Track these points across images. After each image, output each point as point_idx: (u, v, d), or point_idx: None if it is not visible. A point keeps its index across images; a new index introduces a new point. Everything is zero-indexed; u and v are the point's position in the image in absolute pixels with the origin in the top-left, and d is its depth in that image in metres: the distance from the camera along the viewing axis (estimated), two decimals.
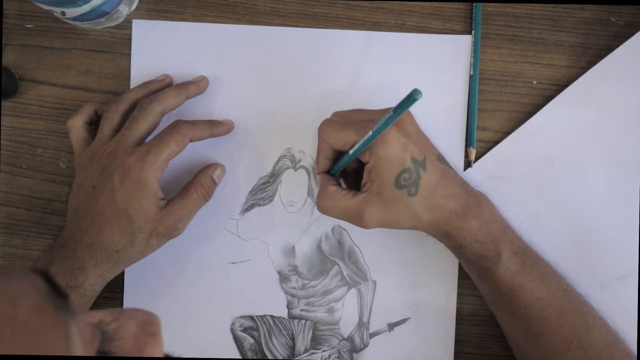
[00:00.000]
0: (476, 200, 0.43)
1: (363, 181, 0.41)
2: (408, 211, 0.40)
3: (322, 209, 0.42)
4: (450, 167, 0.43)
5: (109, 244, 0.41)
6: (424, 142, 0.41)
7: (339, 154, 0.43)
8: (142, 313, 0.28)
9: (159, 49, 0.48)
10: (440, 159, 0.42)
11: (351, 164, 0.43)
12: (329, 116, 0.44)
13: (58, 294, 0.23)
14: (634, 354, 0.43)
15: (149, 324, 0.27)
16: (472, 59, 0.48)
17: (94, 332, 0.25)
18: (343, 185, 0.44)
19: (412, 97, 0.33)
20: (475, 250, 0.42)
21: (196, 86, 0.46)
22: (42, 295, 0.22)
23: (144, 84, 0.46)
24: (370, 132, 0.38)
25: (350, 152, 0.40)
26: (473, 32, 0.48)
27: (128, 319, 0.27)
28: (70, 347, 0.21)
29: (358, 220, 0.41)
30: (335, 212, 0.42)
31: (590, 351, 0.41)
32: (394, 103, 0.35)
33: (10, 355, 0.19)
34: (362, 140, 0.39)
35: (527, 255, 0.43)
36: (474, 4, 0.48)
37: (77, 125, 0.45)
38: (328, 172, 0.44)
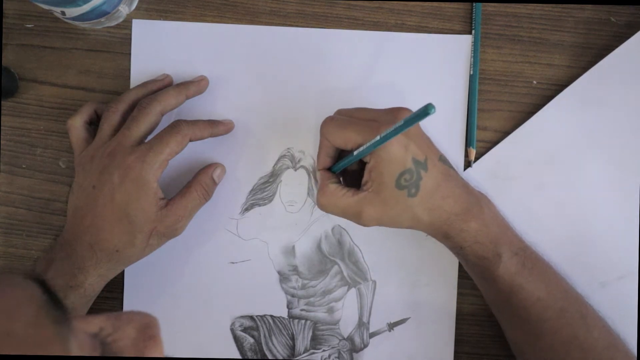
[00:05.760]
0: (476, 201, 0.43)
1: (364, 180, 0.41)
2: (407, 211, 0.40)
3: (323, 207, 0.42)
4: (452, 167, 0.43)
5: (108, 244, 0.41)
6: (426, 143, 0.41)
7: (340, 152, 0.43)
8: (141, 316, 0.27)
9: (159, 49, 0.48)
10: (442, 159, 0.42)
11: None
12: (329, 116, 0.44)
13: (55, 303, 0.22)
14: (633, 354, 0.43)
15: (148, 327, 0.27)
16: (472, 59, 0.48)
17: (93, 344, 0.24)
18: (342, 182, 0.44)
19: (425, 111, 0.33)
20: (475, 251, 0.42)
21: (196, 86, 0.46)
22: (39, 307, 0.21)
23: (144, 84, 0.46)
24: (378, 137, 0.37)
25: (355, 153, 0.40)
26: (473, 32, 0.48)
27: (126, 324, 0.26)
28: None
29: (357, 218, 0.41)
30: (336, 210, 0.42)
31: (590, 352, 0.41)
32: (393, 103, 0.36)
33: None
34: (367, 144, 0.39)
35: (527, 256, 0.43)
36: (474, 4, 0.48)
37: (77, 125, 0.45)
38: (329, 169, 0.44)
